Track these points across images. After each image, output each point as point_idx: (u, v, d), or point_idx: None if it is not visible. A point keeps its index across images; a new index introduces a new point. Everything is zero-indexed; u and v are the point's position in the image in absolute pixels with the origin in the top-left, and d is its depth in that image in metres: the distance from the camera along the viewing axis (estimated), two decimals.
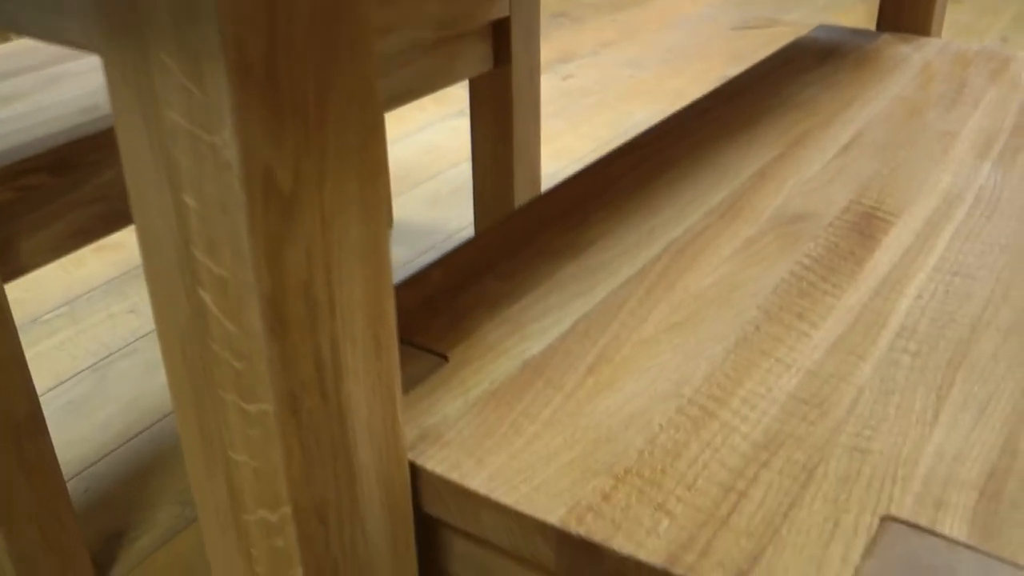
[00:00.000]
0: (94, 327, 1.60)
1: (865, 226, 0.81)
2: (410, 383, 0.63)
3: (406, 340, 0.68)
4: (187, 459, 0.53)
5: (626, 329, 0.67)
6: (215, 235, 0.43)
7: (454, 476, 0.56)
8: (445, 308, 0.71)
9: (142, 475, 1.29)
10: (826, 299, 0.70)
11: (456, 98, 2.59)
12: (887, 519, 0.52)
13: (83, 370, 1.48)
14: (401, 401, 0.53)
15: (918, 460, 0.56)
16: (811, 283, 0.72)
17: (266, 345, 0.45)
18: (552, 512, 0.53)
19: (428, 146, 2.32)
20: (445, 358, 0.66)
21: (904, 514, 0.52)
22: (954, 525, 0.51)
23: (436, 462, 0.57)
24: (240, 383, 0.47)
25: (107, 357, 1.52)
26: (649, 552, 0.50)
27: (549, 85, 2.68)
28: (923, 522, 0.52)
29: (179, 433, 0.50)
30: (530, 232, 0.81)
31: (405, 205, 2.02)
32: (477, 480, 0.55)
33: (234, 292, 0.44)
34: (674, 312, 0.69)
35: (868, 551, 0.50)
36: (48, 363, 1.49)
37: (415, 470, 0.57)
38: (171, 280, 0.47)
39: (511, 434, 0.59)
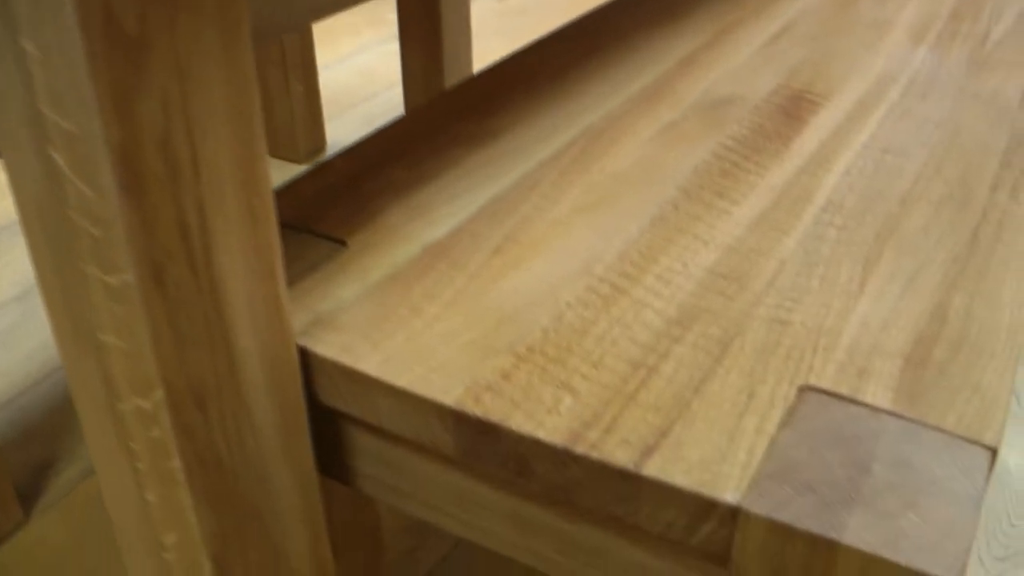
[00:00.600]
0: (17, 259, 1.54)
1: (793, 108, 0.76)
2: (307, 270, 0.59)
3: (304, 227, 0.63)
4: (59, 346, 0.48)
5: (537, 211, 0.63)
6: (59, 85, 0.38)
7: (346, 360, 0.51)
8: (347, 196, 0.66)
9: (69, 406, 1.24)
10: (749, 178, 0.66)
11: (391, 23, 2.52)
12: (806, 389, 0.48)
13: (7, 302, 1.42)
14: (284, 280, 0.49)
15: (842, 330, 0.52)
16: (734, 163, 0.68)
17: (122, 206, 0.40)
18: (448, 392, 0.49)
19: (363, 69, 2.25)
20: (344, 244, 0.61)
21: (825, 383, 0.48)
22: (877, 393, 0.48)
23: (327, 346, 0.52)
24: (99, 253, 0.42)
25: (31, 288, 1.46)
26: (549, 431, 0.46)
27: (486, 7, 2.62)
28: (844, 391, 0.48)
29: (48, 318, 0.45)
30: (442, 122, 0.76)
31: (340, 127, 1.96)
32: (370, 363, 0.51)
33: (84, 149, 0.39)
34: (589, 193, 0.65)
35: (785, 421, 0.46)
36: None
37: (306, 356, 0.53)
38: (20, 141, 0.41)
39: (409, 316, 0.54)
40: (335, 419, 0.56)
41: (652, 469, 0.44)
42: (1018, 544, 1.11)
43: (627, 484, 0.44)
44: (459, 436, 0.49)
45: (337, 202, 0.66)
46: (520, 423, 0.47)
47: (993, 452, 0.45)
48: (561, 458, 0.46)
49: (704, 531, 0.44)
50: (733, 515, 0.42)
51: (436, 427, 0.49)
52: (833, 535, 0.41)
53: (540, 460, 0.47)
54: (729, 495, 0.43)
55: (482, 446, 0.48)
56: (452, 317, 0.54)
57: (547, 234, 0.60)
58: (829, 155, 0.68)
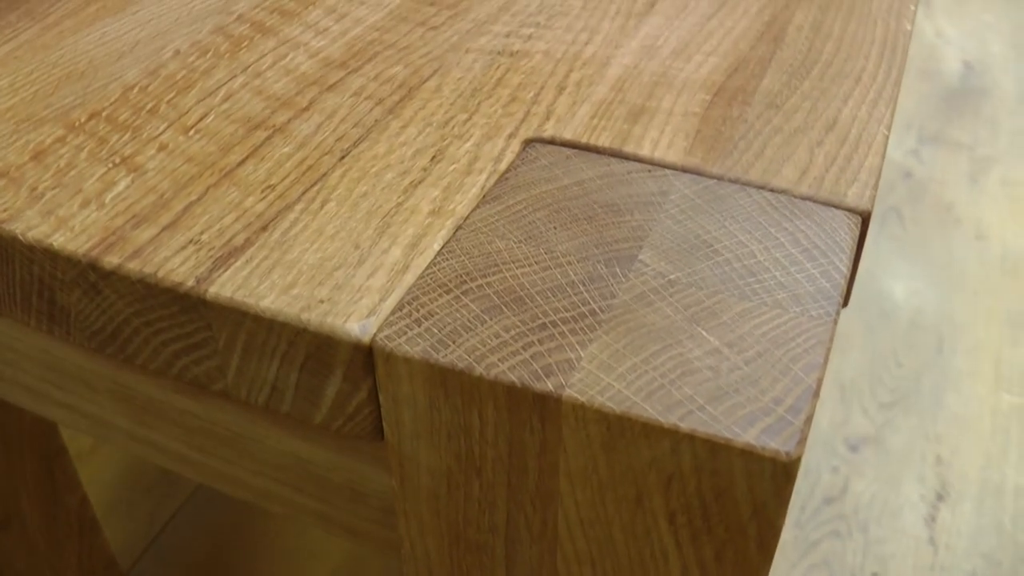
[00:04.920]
0: None
1: None
2: None
3: None
4: None
5: None
6: None
7: None
8: None
9: None
10: None
11: None
12: (534, 142, 0.27)
13: None
14: None
15: (609, 59, 0.31)
16: None
17: None
18: None
19: None
20: None
21: (568, 133, 0.27)
22: (662, 141, 0.27)
23: None
24: None
25: None
26: (74, 234, 0.24)
27: None
28: (603, 141, 0.27)
29: None
30: None
31: None
32: None
33: None
34: None
35: (490, 193, 0.25)
36: None
37: None
38: None
39: None
40: None
41: (225, 286, 0.22)
42: (907, 386, 0.95)
43: (190, 317, 0.23)
44: None
45: None
46: (32, 224, 0.25)
47: (864, 218, 0.24)
48: (89, 278, 0.24)
49: (329, 394, 0.23)
50: (367, 359, 0.21)
51: None
52: (548, 385, 0.20)
53: (65, 287, 0.25)
54: (355, 324, 0.21)
55: None
56: None
57: None
58: None
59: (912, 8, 0.36)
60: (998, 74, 1.43)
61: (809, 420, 0.20)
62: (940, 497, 0.85)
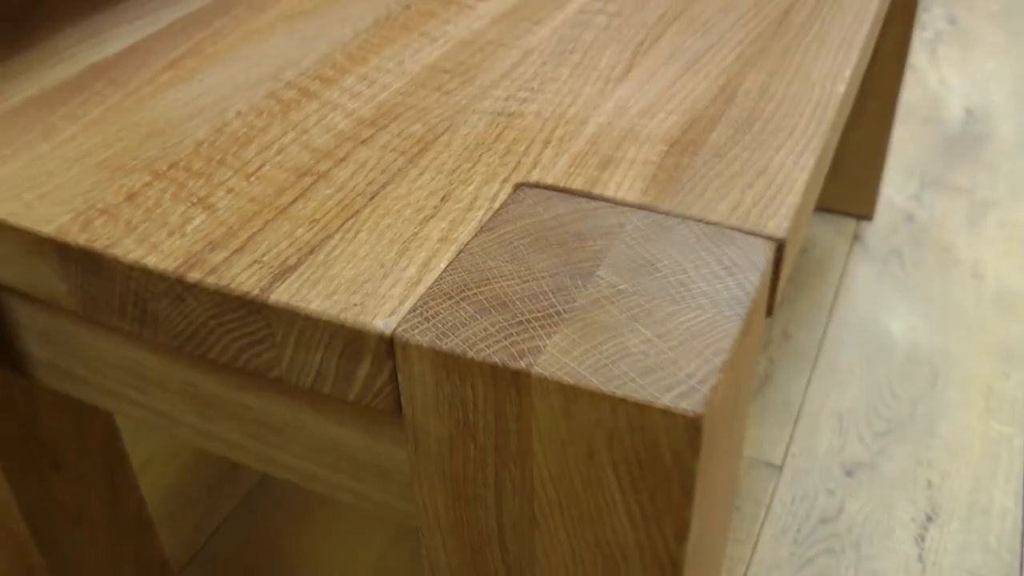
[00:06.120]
0: None
1: None
2: None
3: None
4: None
5: (236, 21, 0.49)
6: None
7: None
8: (20, 20, 0.52)
9: None
10: None
11: None
12: (523, 186, 0.35)
13: None
14: None
15: (588, 118, 0.39)
16: None
17: None
18: (51, 220, 0.35)
19: None
20: None
21: (550, 178, 0.35)
22: (623, 184, 0.35)
23: None
24: None
25: None
26: (164, 256, 0.33)
27: None
28: (577, 185, 0.35)
29: None
30: None
31: None
32: None
33: None
34: (306, 0, 0.51)
35: (486, 225, 0.33)
36: None
37: None
38: None
39: (38, 140, 0.40)
40: None
41: (283, 294, 0.31)
42: (901, 416, 1.01)
43: (256, 318, 0.31)
44: (67, 276, 0.35)
45: (4, 27, 0.51)
46: (129, 249, 0.33)
47: (778, 245, 0.32)
48: (175, 290, 0.32)
49: (360, 376, 0.31)
50: (388, 347, 0.30)
51: (41, 268, 0.36)
52: (521, 364, 0.28)
53: (155, 298, 0.33)
54: (381, 321, 0.30)
55: (94, 287, 0.35)
56: (89, 137, 0.40)
57: (238, 43, 0.46)
58: None
59: (847, 74, 0.44)
60: (999, 121, 1.49)
61: (714, 389, 0.28)
62: (930, 518, 0.91)
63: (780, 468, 0.94)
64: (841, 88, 0.42)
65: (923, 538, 0.88)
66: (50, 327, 0.42)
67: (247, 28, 0.48)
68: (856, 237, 1.26)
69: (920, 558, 0.87)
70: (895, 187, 1.33)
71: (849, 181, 1.16)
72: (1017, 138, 1.44)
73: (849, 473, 0.95)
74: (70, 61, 0.47)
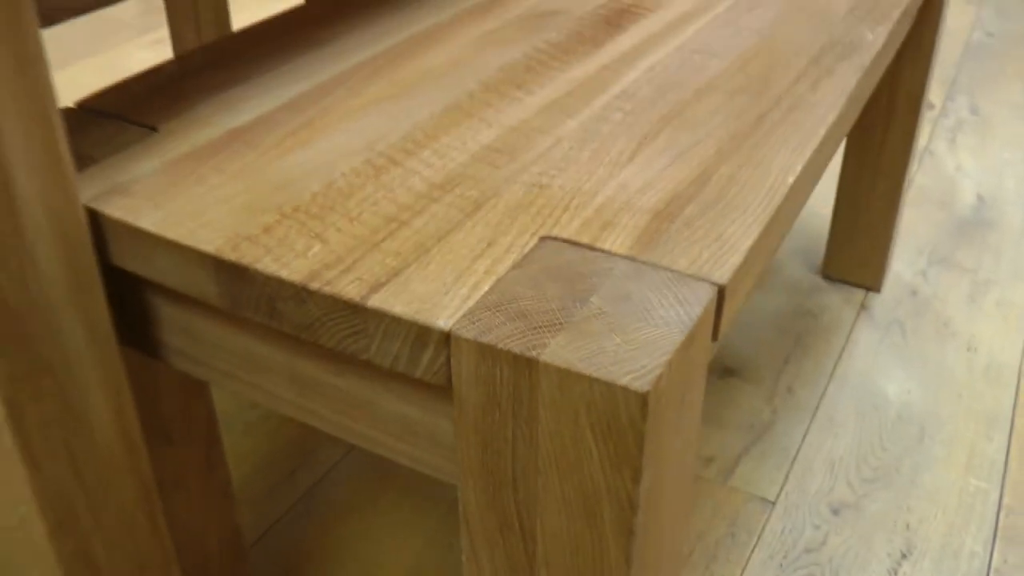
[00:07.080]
0: None
1: (616, 18, 0.80)
2: (114, 150, 0.62)
3: (119, 115, 0.66)
4: None
5: (339, 102, 0.66)
6: None
7: (129, 219, 0.55)
8: (169, 92, 0.70)
9: None
10: (551, 72, 0.69)
11: None
12: (546, 239, 0.51)
13: None
14: (63, 131, 0.51)
15: (598, 192, 0.55)
16: (541, 62, 0.71)
17: None
18: (211, 243, 0.52)
19: None
20: (155, 129, 0.64)
21: (566, 234, 0.52)
22: (617, 241, 0.51)
23: (115, 208, 0.55)
24: None
25: None
26: (292, 271, 0.49)
27: None
28: (584, 240, 0.51)
29: None
30: (272, 34, 0.79)
31: None
32: (149, 221, 0.54)
33: None
34: (393, 86, 0.68)
35: (517, 264, 0.49)
36: None
37: (97, 218, 0.56)
38: None
39: (194, 184, 0.57)
40: (133, 287, 0.59)
41: (376, 301, 0.47)
42: (888, 466, 1.13)
43: (356, 317, 0.48)
44: (219, 282, 0.52)
45: (157, 96, 0.69)
46: (267, 265, 0.50)
47: (720, 289, 0.48)
48: (300, 295, 0.49)
49: (425, 359, 0.47)
50: (446, 340, 0.46)
51: (200, 276, 0.53)
52: (533, 354, 0.44)
53: (284, 300, 0.50)
54: (442, 322, 0.46)
55: (238, 290, 0.51)
56: (233, 185, 0.57)
57: (341, 119, 0.63)
58: (637, 55, 0.72)
59: (798, 167, 0.60)
60: (1008, 207, 1.61)
61: (659, 376, 0.44)
62: (904, 555, 1.03)
63: (773, 503, 1.07)
64: (790, 179, 0.58)
65: (896, 572, 1.00)
66: (187, 321, 0.58)
67: (347, 107, 0.65)
68: (863, 307, 1.38)
69: None
70: (904, 263, 1.46)
71: (860, 255, 1.29)
72: (1023, 225, 1.55)
73: (835, 512, 1.07)
74: (212, 126, 0.64)
